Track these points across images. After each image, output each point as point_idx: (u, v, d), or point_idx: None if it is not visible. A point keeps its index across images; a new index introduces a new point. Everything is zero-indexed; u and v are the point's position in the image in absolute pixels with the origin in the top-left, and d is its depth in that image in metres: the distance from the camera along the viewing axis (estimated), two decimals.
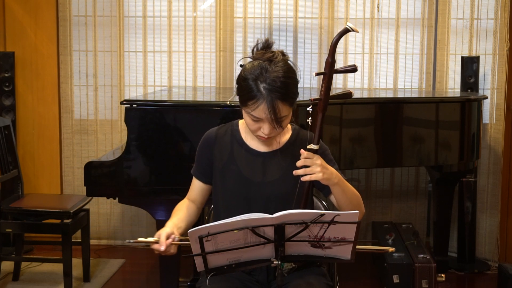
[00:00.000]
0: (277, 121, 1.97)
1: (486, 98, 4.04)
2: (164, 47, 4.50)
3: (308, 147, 1.95)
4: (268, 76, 1.95)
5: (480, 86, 4.30)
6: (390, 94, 4.23)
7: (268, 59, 1.99)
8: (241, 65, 2.06)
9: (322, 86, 1.95)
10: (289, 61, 2.03)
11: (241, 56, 4.46)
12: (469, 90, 4.21)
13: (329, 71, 1.93)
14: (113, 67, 4.51)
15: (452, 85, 4.38)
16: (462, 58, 4.23)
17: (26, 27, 4.50)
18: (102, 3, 4.46)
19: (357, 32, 1.94)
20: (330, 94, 1.98)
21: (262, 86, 1.95)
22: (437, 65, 4.40)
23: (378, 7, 4.41)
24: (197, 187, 2.21)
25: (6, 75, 4.38)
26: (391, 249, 1.94)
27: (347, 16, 4.40)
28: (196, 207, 2.20)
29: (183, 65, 4.52)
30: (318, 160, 1.93)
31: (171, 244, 1.95)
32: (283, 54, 2.04)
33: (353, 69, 1.96)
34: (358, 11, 4.42)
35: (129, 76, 4.53)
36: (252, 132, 2.06)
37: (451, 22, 4.33)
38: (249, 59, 2.06)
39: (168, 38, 4.49)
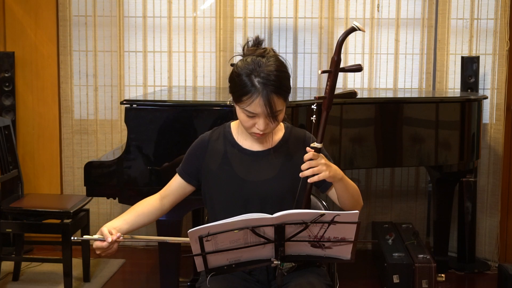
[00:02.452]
0: (272, 115, 1.97)
1: (486, 98, 4.04)
2: (164, 47, 4.50)
3: (312, 145, 1.95)
4: (262, 70, 1.96)
5: (480, 86, 4.30)
6: (390, 94, 4.23)
7: (260, 54, 2.00)
8: (232, 64, 2.07)
9: (327, 85, 1.95)
10: (280, 57, 2.04)
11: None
12: (469, 90, 4.21)
13: (334, 69, 1.93)
14: (113, 67, 4.51)
15: (452, 85, 4.38)
16: (462, 58, 4.23)
17: (26, 27, 4.50)
18: (102, 3, 4.46)
19: (364, 31, 1.94)
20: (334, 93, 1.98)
21: (256, 80, 1.95)
22: (437, 65, 4.40)
23: (378, 7, 4.41)
24: (177, 183, 2.19)
25: (6, 75, 4.38)
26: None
27: (347, 16, 4.40)
28: (161, 206, 2.18)
29: (183, 65, 4.52)
30: (322, 159, 1.93)
31: (115, 241, 1.97)
32: (273, 50, 2.05)
33: (358, 69, 1.97)
34: (358, 11, 4.42)
35: (129, 76, 4.53)
36: (247, 129, 2.05)
37: (451, 22, 4.33)
38: (240, 58, 2.07)
39: (168, 38, 4.49)
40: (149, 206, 2.17)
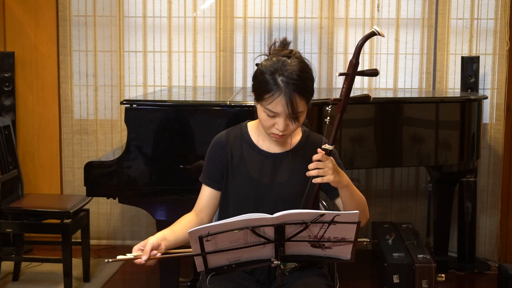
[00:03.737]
0: (294, 116, 1.96)
1: (486, 98, 4.04)
2: (164, 47, 4.50)
3: (323, 146, 1.94)
4: (286, 69, 1.96)
5: (480, 86, 4.30)
6: (390, 94, 4.23)
7: (286, 55, 2.00)
8: (257, 64, 2.07)
9: (343, 87, 1.95)
10: (305, 60, 2.04)
11: (241, 56, 4.46)
12: (469, 90, 4.21)
13: (352, 72, 1.93)
14: (113, 67, 4.51)
15: (452, 85, 4.38)
16: (462, 58, 4.23)
17: (26, 27, 4.50)
18: (102, 3, 4.46)
19: (383, 36, 1.95)
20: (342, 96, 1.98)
21: (280, 79, 1.95)
22: (437, 65, 4.40)
23: (378, 7, 4.41)
24: (207, 195, 2.14)
25: (6, 75, 4.38)
26: (365, 240, 1.92)
27: (347, 16, 4.40)
28: (199, 220, 2.12)
29: (183, 65, 4.52)
30: (330, 163, 1.92)
31: (150, 258, 1.88)
32: (299, 53, 2.05)
33: (374, 73, 1.97)
34: (358, 11, 4.42)
35: (129, 76, 4.53)
36: (266, 129, 2.03)
37: (451, 22, 4.33)
38: (265, 58, 2.07)
39: (168, 38, 4.49)
40: (190, 222, 2.09)
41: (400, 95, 4.12)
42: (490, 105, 4.31)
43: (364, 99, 2.02)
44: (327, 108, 1.95)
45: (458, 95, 4.13)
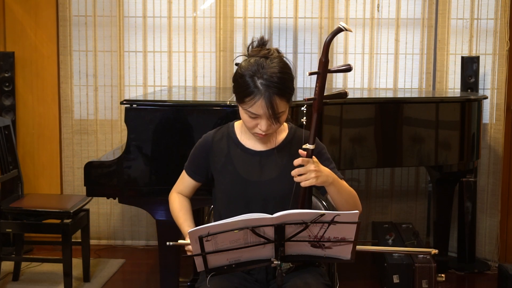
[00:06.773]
0: (275, 117, 1.98)
1: (486, 98, 4.03)
2: (164, 47, 4.50)
3: (304, 146, 1.95)
4: (264, 72, 1.96)
5: (480, 86, 4.30)
6: (390, 94, 4.23)
7: (264, 55, 2.01)
8: (236, 64, 2.07)
9: (316, 86, 1.95)
10: (284, 58, 2.05)
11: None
12: (469, 90, 4.21)
13: (322, 70, 1.93)
14: (113, 67, 4.51)
15: (452, 85, 4.38)
16: (462, 58, 4.23)
17: (26, 27, 4.50)
18: (102, 3, 4.46)
19: (351, 31, 1.94)
20: (326, 94, 1.98)
21: (259, 82, 1.95)
22: (437, 65, 4.40)
23: (378, 7, 4.41)
24: (188, 183, 2.25)
25: (6, 75, 4.38)
26: (434, 251, 1.94)
27: (347, 16, 4.40)
28: (189, 201, 2.28)
29: (183, 65, 4.52)
30: (312, 165, 1.93)
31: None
32: (278, 51, 2.05)
33: (347, 69, 1.96)
34: (358, 11, 4.42)
35: (129, 76, 4.53)
36: (249, 130, 2.06)
37: (451, 22, 4.33)
38: (245, 58, 2.07)
39: (168, 38, 4.49)
40: (189, 204, 2.27)
41: (400, 95, 4.12)
42: (490, 105, 4.31)
43: (340, 96, 2.02)
44: (302, 108, 1.95)
45: (458, 95, 4.13)
